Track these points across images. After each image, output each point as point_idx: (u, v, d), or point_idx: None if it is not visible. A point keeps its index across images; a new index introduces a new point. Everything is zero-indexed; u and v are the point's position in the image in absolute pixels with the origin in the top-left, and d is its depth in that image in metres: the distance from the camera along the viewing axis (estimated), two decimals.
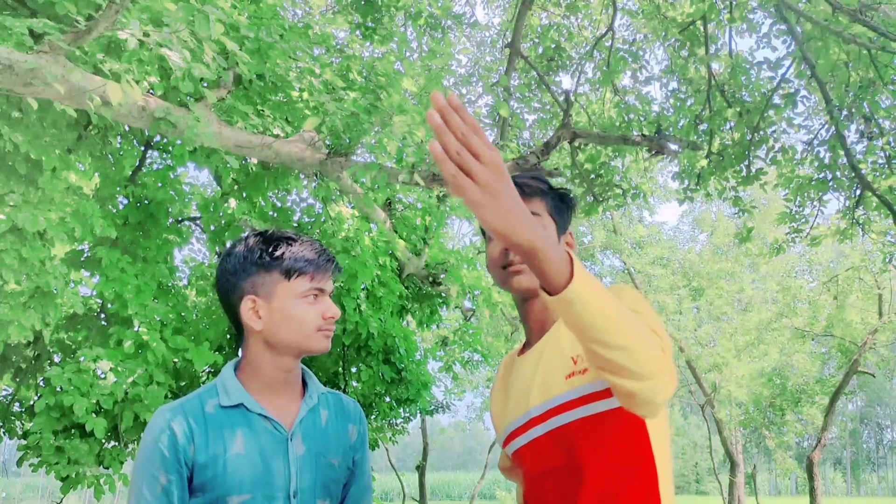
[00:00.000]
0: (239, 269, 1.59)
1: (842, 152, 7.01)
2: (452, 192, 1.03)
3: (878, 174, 7.26)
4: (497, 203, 1.04)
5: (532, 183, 1.62)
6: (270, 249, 1.58)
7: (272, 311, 1.57)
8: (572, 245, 1.67)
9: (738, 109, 7.31)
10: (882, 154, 7.27)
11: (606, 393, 1.41)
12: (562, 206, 1.65)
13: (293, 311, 1.57)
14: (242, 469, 1.51)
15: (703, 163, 7.83)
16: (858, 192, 7.34)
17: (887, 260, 9.38)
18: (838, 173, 7.45)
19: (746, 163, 7.55)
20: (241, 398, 1.57)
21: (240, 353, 1.67)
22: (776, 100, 7.22)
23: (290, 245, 1.59)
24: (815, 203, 8.02)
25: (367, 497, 1.74)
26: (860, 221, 7.96)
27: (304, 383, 1.69)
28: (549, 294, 1.13)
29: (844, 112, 6.85)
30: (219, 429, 1.54)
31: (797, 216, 8.03)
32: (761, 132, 7.40)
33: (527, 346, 1.67)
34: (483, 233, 1.70)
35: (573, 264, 1.12)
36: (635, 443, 1.43)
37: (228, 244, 1.66)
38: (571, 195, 1.70)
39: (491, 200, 1.03)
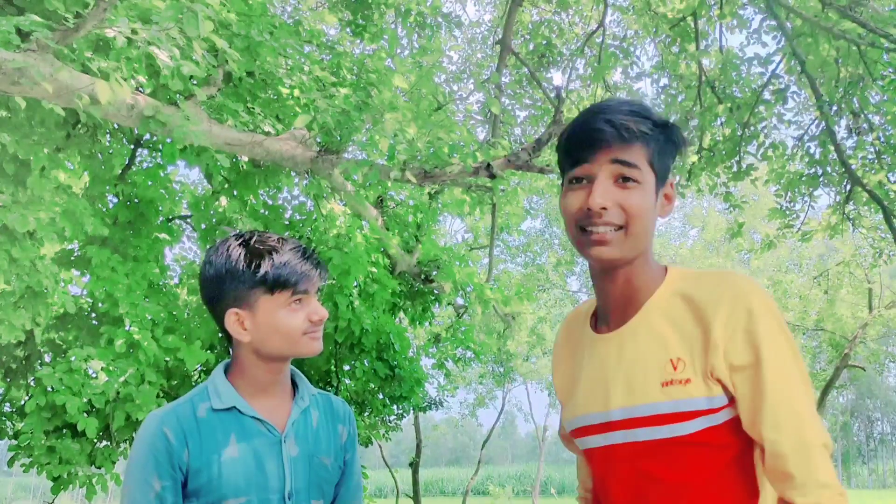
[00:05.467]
0: (219, 281, 1.55)
1: (832, 148, 7.04)
2: None
3: (867, 169, 7.30)
4: None
5: (633, 126, 1.27)
6: (252, 266, 1.53)
7: (257, 323, 1.55)
8: (670, 197, 1.37)
9: (728, 105, 7.33)
10: (872, 149, 7.30)
11: (708, 411, 1.24)
12: (667, 147, 1.32)
13: (279, 322, 1.55)
14: (237, 472, 1.51)
15: (694, 158, 7.85)
16: (848, 187, 7.38)
17: (878, 255, 9.43)
18: (829, 169, 7.48)
19: (737, 158, 7.57)
20: (233, 401, 1.57)
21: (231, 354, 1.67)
22: (766, 95, 7.24)
23: (272, 256, 1.53)
24: (805, 198, 8.06)
25: (357, 496, 1.75)
26: (850, 217, 8.00)
27: (294, 384, 1.69)
28: None
29: (834, 108, 6.87)
30: (212, 433, 1.53)
31: (788, 212, 8.06)
32: (752, 128, 7.43)
33: (603, 321, 1.42)
34: (562, 173, 1.36)
35: None
36: (735, 469, 1.27)
37: (209, 249, 1.62)
38: (678, 130, 1.35)
39: None
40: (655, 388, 1.26)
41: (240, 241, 1.57)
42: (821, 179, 7.59)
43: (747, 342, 1.21)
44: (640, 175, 1.28)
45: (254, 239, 1.57)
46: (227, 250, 1.56)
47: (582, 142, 1.30)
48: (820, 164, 7.48)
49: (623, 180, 1.28)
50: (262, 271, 1.52)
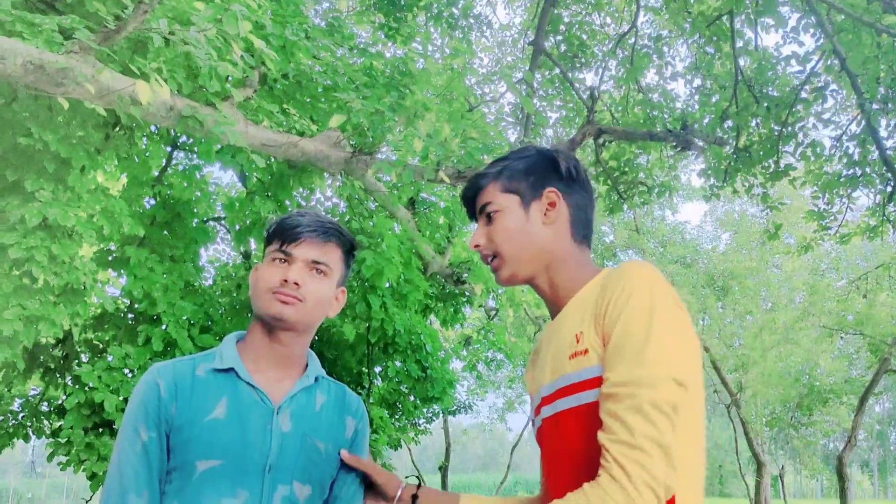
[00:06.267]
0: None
1: (872, 147, 6.89)
2: None
3: None
4: None
5: (475, 182, 1.55)
6: (274, 223, 1.60)
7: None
8: (555, 205, 1.50)
9: (765, 104, 7.22)
10: None
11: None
12: (514, 173, 1.53)
13: (258, 274, 1.58)
14: (218, 435, 1.47)
15: (730, 159, 7.75)
16: (890, 187, 7.21)
17: None
18: (868, 169, 7.33)
19: (775, 158, 7.45)
20: (232, 363, 1.54)
21: None
22: (804, 94, 7.12)
23: (291, 217, 1.59)
24: (843, 199, 7.89)
25: (359, 497, 1.65)
26: (890, 218, 7.82)
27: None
28: None
29: (875, 105, 6.73)
30: (204, 392, 1.50)
31: (825, 213, 7.91)
32: (789, 127, 7.31)
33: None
34: (471, 217, 1.61)
35: None
36: None
37: None
38: (528, 153, 1.55)
39: None
40: (566, 360, 1.40)
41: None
42: (860, 179, 7.43)
43: (618, 311, 1.32)
44: (497, 206, 1.51)
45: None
46: None
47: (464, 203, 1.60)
48: (859, 165, 7.33)
49: (488, 218, 1.53)
50: (275, 224, 1.59)
